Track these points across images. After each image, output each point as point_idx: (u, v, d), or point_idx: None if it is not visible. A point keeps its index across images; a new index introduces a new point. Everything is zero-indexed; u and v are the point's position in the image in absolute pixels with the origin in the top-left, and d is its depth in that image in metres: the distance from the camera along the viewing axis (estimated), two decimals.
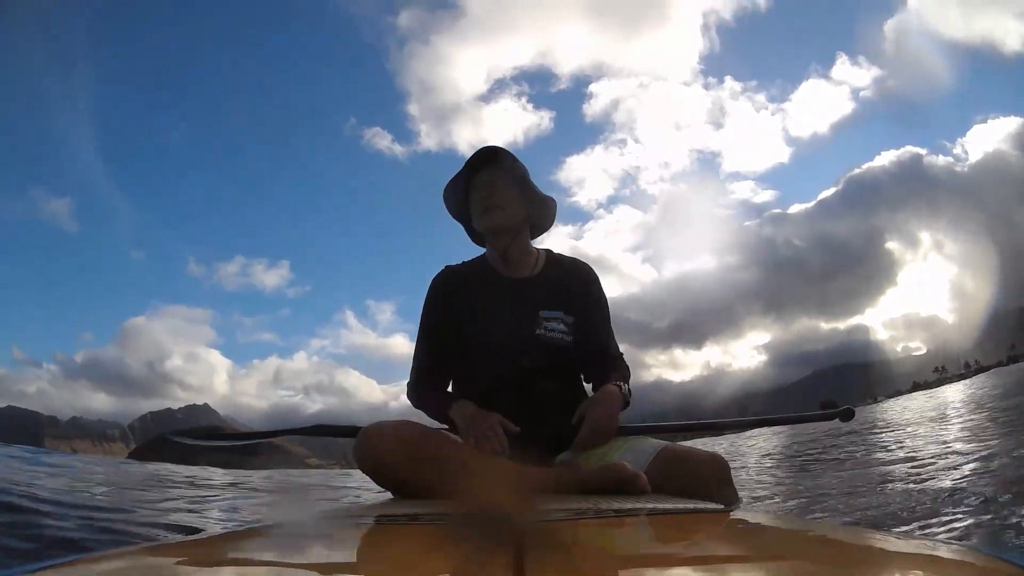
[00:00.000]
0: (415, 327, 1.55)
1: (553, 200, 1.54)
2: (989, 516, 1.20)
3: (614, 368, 1.49)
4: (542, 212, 1.54)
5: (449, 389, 1.51)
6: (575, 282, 1.53)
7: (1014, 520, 1.30)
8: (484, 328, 1.44)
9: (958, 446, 3.62)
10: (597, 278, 1.58)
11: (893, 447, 4.35)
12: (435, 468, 1.12)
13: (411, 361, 1.53)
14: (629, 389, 1.44)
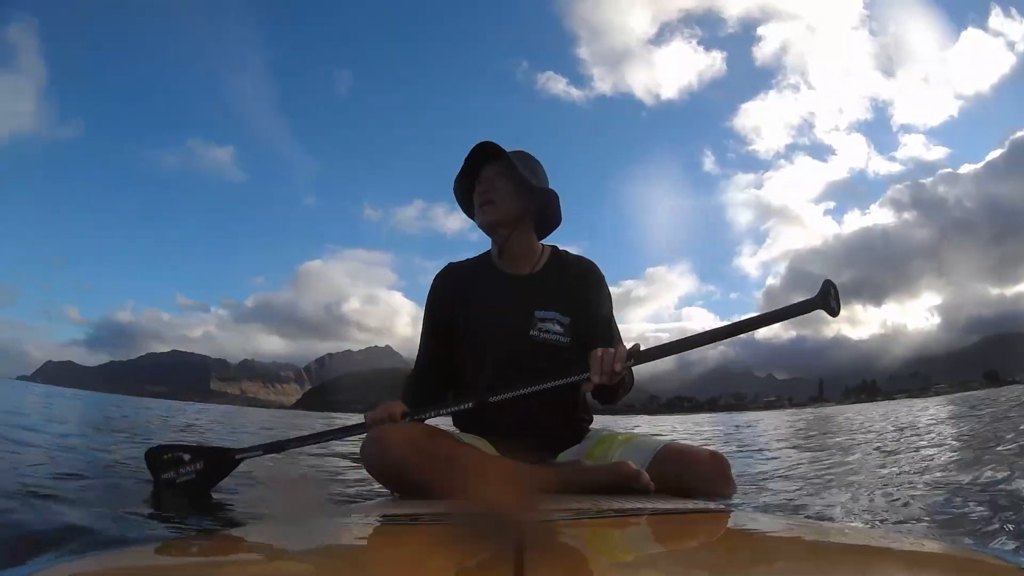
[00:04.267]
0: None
1: (555, 193, 1.53)
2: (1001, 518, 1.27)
3: None
4: (544, 207, 1.55)
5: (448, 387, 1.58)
6: (576, 281, 1.53)
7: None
8: (479, 327, 1.47)
9: None
10: (601, 277, 1.58)
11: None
12: (442, 468, 1.14)
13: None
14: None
